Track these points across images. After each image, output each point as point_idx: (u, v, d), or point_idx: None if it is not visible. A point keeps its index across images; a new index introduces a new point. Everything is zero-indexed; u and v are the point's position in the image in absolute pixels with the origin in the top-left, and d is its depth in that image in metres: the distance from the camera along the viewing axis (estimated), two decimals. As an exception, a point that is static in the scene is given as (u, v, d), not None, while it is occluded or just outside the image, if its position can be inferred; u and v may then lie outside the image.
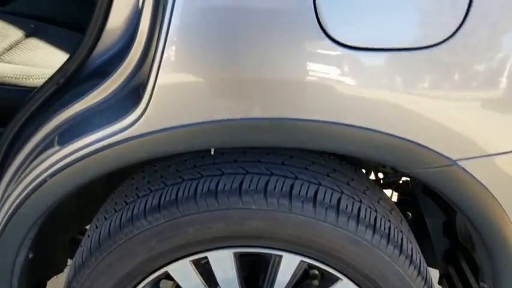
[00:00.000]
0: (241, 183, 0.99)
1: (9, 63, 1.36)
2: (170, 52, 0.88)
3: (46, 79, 1.31)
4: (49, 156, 0.98)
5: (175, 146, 0.94)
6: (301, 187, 0.99)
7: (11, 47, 1.45)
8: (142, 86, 0.92)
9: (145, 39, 0.92)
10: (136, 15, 0.97)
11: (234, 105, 0.90)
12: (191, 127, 0.91)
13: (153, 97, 0.90)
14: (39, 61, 1.40)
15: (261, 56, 0.86)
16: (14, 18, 1.62)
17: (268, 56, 0.86)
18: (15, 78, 1.30)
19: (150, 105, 0.91)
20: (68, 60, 1.07)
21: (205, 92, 0.90)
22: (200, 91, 0.90)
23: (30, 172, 1.01)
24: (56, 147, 0.98)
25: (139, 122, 0.92)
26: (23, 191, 1.01)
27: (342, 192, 1.01)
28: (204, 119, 0.90)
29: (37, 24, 1.62)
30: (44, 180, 0.98)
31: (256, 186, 0.99)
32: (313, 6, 0.84)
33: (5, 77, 1.30)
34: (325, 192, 0.99)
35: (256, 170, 1.02)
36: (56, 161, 0.98)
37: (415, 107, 0.89)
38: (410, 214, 1.37)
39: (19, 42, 1.49)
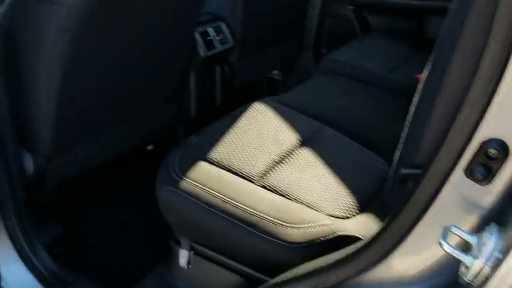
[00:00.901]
0: None
1: (271, 189, 1.17)
2: None
3: (303, 230, 1.09)
4: None
5: None
6: None
7: (281, 160, 1.27)
8: None
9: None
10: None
11: None
12: None
13: None
14: (302, 191, 1.17)
15: None
16: (291, 115, 1.45)
17: None
18: (272, 222, 1.10)
19: None
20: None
21: None
22: None
23: None
24: None
25: None
26: None
27: None
28: None
29: (309, 129, 1.42)
30: None
31: None
32: None
33: (262, 218, 1.11)
34: None
35: None
36: None
37: None
38: None
39: (290, 154, 1.30)
